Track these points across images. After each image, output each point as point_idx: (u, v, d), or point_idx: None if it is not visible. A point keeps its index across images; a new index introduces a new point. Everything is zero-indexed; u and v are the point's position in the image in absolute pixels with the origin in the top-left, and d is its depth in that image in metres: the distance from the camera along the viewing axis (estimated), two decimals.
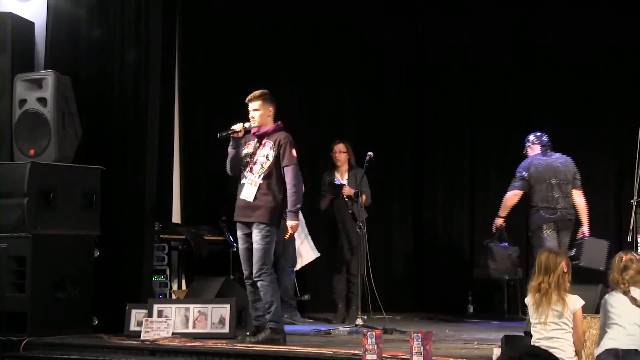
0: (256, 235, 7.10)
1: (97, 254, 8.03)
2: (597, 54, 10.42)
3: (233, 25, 10.20)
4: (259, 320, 7.28)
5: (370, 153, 8.73)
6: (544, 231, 8.71)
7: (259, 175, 7.15)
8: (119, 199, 8.32)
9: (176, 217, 9.62)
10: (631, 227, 7.29)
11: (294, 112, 10.53)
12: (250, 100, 7.29)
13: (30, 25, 8.55)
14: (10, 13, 8.42)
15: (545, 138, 8.93)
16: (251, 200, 7.13)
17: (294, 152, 7.23)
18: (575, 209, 8.83)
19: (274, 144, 7.18)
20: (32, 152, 7.97)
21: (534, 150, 8.95)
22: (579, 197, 8.79)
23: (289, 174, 7.14)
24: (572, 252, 8.57)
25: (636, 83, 10.12)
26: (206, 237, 9.32)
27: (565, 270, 5.40)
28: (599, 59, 10.42)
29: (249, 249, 7.21)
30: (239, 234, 7.28)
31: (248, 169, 7.21)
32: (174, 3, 9.53)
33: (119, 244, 8.25)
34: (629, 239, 7.29)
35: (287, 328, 7.48)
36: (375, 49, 11.40)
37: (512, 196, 8.88)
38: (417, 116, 11.59)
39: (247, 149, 7.27)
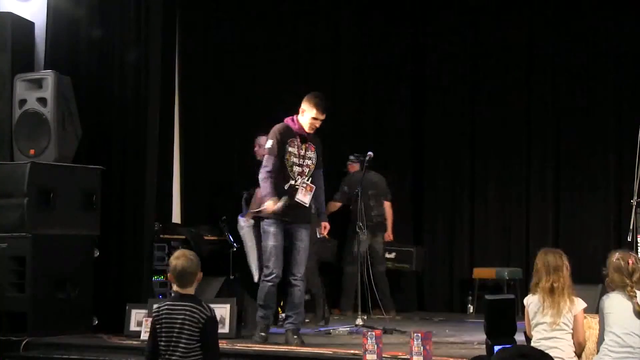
0: (305, 236, 7.18)
1: (97, 254, 8.03)
2: (596, 54, 10.41)
3: (233, 24, 10.19)
4: (269, 319, 7.29)
5: (370, 153, 8.73)
6: (361, 235, 9.59)
7: (308, 178, 7.20)
8: (119, 199, 8.32)
9: (176, 217, 9.62)
10: (631, 227, 7.30)
11: (293, 112, 10.53)
12: (325, 111, 7.19)
13: (30, 25, 8.54)
14: (10, 13, 8.42)
15: (362, 158, 9.78)
16: (307, 204, 7.17)
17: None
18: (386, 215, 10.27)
19: (316, 148, 7.27)
20: (32, 152, 7.97)
21: (354, 167, 10.23)
22: (388, 208, 10.24)
23: (320, 177, 7.34)
24: (392, 255, 10.27)
25: (636, 83, 10.11)
26: (206, 237, 9.31)
27: (569, 270, 5.40)
28: (599, 59, 10.41)
29: (282, 248, 7.16)
30: (274, 230, 7.12)
31: (297, 170, 7.16)
32: (174, 3, 9.52)
33: (119, 244, 8.25)
34: (629, 239, 7.29)
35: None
36: (375, 50, 11.39)
37: (333, 205, 9.98)
38: (417, 117, 11.58)
39: (292, 148, 7.19)
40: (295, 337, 7.08)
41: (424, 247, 11.04)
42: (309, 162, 7.19)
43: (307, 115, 7.17)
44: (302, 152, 7.18)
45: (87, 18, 8.49)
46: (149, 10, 8.43)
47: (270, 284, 7.17)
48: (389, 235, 10.27)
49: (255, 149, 8.89)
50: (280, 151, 7.15)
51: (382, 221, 10.18)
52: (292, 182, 7.13)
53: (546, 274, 5.40)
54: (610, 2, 10.20)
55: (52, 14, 8.49)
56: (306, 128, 7.16)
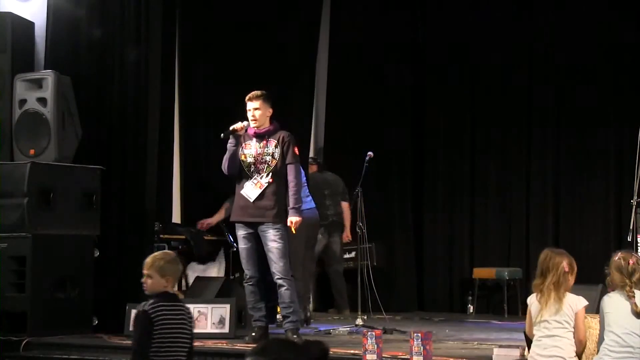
0: (274, 236, 7.13)
1: (97, 254, 8.03)
2: (597, 53, 10.41)
3: (233, 24, 10.18)
4: (262, 321, 7.27)
5: (370, 153, 8.73)
6: (320, 235, 9.80)
7: (267, 175, 7.18)
8: (119, 199, 8.32)
9: (176, 217, 9.62)
10: (631, 227, 7.30)
11: (292, 111, 10.54)
12: (251, 99, 7.29)
13: (30, 25, 8.55)
14: (10, 13, 8.43)
15: (319, 160, 10.70)
16: (252, 199, 7.15)
17: (296, 150, 7.33)
18: (343, 215, 10.26)
19: (278, 142, 7.24)
20: (32, 152, 7.97)
21: (312, 169, 10.41)
22: (346, 209, 10.20)
23: (291, 171, 7.25)
24: (353, 254, 10.21)
25: (636, 83, 10.12)
26: (206, 237, 9.32)
27: (567, 270, 5.39)
28: (599, 58, 10.41)
29: (253, 249, 7.23)
30: (241, 233, 7.26)
31: (253, 169, 7.22)
32: (174, 3, 9.52)
33: (119, 244, 8.25)
34: (629, 239, 7.29)
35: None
36: (375, 48, 11.40)
37: None
38: (417, 116, 11.58)
39: (246, 150, 7.28)
40: (295, 337, 7.08)
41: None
42: (269, 157, 7.21)
43: (247, 112, 7.32)
44: (260, 150, 7.23)
45: (87, 18, 8.49)
46: (148, 10, 8.43)
47: (247, 284, 7.29)
48: (347, 236, 10.27)
49: None
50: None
51: (339, 221, 10.18)
52: (247, 180, 7.21)
53: (539, 274, 5.43)
54: (613, 1, 10.20)
55: (52, 14, 8.50)
56: (250, 122, 7.25)
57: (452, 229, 11.21)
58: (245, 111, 7.39)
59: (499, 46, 10.96)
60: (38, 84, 8.06)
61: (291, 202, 7.27)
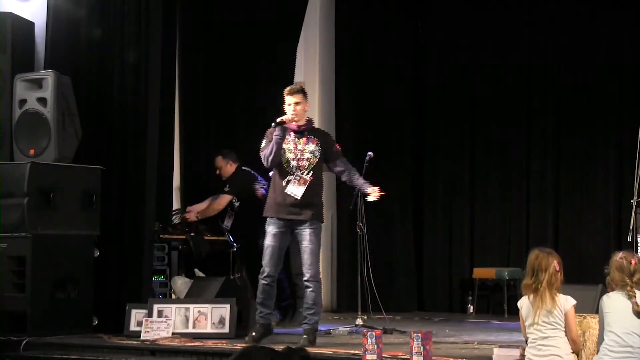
0: (311, 235, 7.07)
1: (97, 254, 8.04)
2: (597, 53, 10.41)
3: (233, 24, 10.19)
4: (266, 318, 7.23)
5: (370, 153, 8.72)
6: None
7: (308, 172, 7.10)
8: (119, 199, 8.32)
9: (176, 217, 9.62)
10: (631, 227, 7.30)
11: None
12: (293, 93, 7.14)
13: (30, 25, 8.55)
14: (10, 13, 8.43)
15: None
16: (299, 197, 7.06)
17: (338, 146, 7.37)
18: None
19: (320, 140, 7.18)
20: (32, 152, 7.97)
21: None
22: None
23: (345, 162, 7.33)
24: None
25: (636, 83, 10.11)
26: (206, 237, 9.32)
27: (558, 269, 5.42)
28: (599, 58, 10.41)
29: (279, 248, 7.15)
30: (273, 230, 7.13)
31: (293, 165, 7.12)
32: (174, 3, 9.53)
33: (119, 244, 8.25)
34: (629, 239, 7.29)
35: (289, 329, 7.52)
36: (375, 48, 11.39)
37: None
38: (417, 116, 11.58)
39: (285, 145, 7.12)
40: (305, 336, 7.04)
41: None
42: (310, 155, 7.11)
43: (286, 106, 7.17)
44: (300, 147, 7.14)
45: (87, 18, 8.50)
46: (149, 10, 8.43)
47: (264, 282, 7.16)
48: None
49: (217, 172, 9.20)
50: None
51: None
52: (290, 176, 7.10)
53: (529, 274, 5.45)
54: (613, 2, 10.20)
55: (52, 14, 8.50)
56: (289, 117, 7.10)
57: (452, 229, 11.21)
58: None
59: (498, 46, 10.96)
60: (38, 84, 8.06)
61: (360, 180, 7.34)
